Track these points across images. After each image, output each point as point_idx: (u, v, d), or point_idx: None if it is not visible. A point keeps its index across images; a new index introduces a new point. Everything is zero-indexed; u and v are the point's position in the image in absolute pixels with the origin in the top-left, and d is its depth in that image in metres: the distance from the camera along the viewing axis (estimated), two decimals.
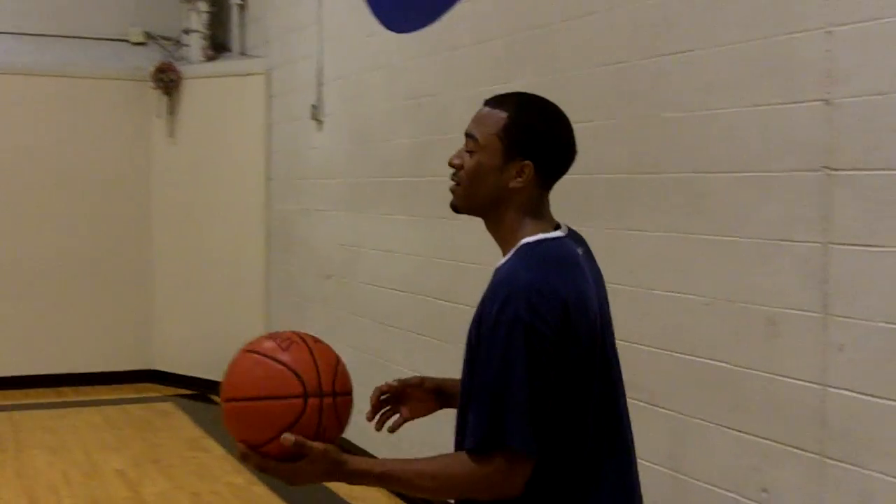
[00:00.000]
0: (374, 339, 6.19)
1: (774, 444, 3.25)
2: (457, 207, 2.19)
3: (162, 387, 8.89)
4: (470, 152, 2.13)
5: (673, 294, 3.71)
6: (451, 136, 5.12)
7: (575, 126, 4.35)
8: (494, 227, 2.16)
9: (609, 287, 4.02)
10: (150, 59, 8.94)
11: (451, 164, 2.16)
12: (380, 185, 6.15)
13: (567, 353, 1.98)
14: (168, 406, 8.32)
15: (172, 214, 8.99)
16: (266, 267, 8.22)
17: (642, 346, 3.85)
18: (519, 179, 2.08)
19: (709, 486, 3.51)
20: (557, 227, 2.16)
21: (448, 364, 5.43)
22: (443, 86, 5.37)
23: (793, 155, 3.19)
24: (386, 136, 6.02)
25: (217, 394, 8.03)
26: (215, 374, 8.93)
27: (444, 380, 2.41)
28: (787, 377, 3.20)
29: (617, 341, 4.01)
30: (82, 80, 8.84)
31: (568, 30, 4.30)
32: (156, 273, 9.13)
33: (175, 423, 7.76)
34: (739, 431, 3.39)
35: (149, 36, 9.14)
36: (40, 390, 8.60)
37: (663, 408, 3.75)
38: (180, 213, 8.94)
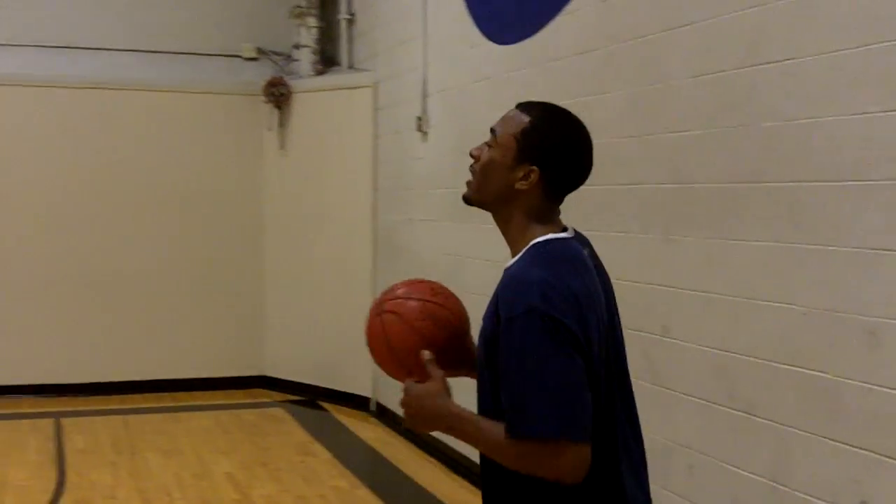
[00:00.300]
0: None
1: (875, 455, 3.20)
2: (468, 198, 2.29)
3: (272, 392, 9.12)
4: (489, 147, 2.24)
5: (772, 304, 3.68)
6: None
7: (674, 136, 4.37)
8: (503, 226, 2.25)
9: (707, 296, 4.04)
10: (261, 73, 9.20)
11: (470, 154, 2.26)
12: None
13: (579, 343, 2.02)
14: (278, 411, 8.52)
15: (283, 224, 9.22)
16: (373, 275, 8.36)
17: (742, 356, 3.83)
18: (524, 182, 2.17)
19: (808, 497, 3.47)
20: (564, 229, 2.23)
21: None
22: (544, 96, 5.35)
23: (894, 163, 3.15)
24: None
25: (325, 399, 8.17)
26: (324, 381, 9.19)
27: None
28: (889, 388, 3.15)
29: (715, 351, 4.01)
30: (197, 95, 9.15)
31: (667, 40, 4.30)
32: (267, 282, 9.36)
33: (284, 428, 7.94)
34: (839, 442, 3.35)
35: (260, 51, 9.39)
36: (156, 395, 8.90)
37: (762, 418, 3.72)
38: (290, 223, 9.16)
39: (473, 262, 6.37)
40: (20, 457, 6.91)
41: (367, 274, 8.40)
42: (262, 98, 9.04)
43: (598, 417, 2.08)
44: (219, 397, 8.91)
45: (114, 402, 8.64)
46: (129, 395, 8.82)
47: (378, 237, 8.33)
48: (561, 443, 1.98)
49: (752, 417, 3.78)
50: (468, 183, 2.28)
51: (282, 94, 8.97)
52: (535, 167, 2.17)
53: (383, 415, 8.05)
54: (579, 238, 2.26)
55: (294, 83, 9.02)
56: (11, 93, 8.72)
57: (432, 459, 6.79)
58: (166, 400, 8.82)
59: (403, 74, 7.63)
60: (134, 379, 9.01)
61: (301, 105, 9.02)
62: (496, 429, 2.05)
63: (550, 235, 2.18)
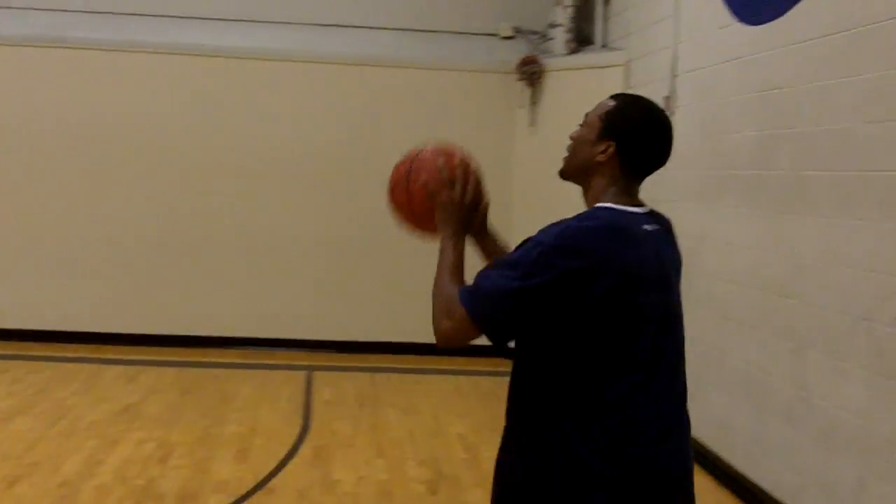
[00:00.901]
0: (709, 332, 6.21)
1: None
2: (561, 172, 2.55)
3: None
4: (581, 127, 2.51)
5: None
6: (798, 129, 5.06)
7: None
8: (585, 195, 2.50)
9: None
10: (517, 52, 9.40)
11: (570, 137, 2.53)
12: (725, 178, 6.16)
13: (561, 285, 2.20)
14: None
15: (531, 199, 9.40)
16: None
17: None
18: (602, 155, 2.42)
19: None
20: (638, 206, 2.43)
21: (780, 362, 5.39)
22: (790, 79, 5.30)
23: None
24: (734, 129, 6.01)
25: None
26: None
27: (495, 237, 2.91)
28: None
29: None
30: (454, 73, 9.49)
31: None
32: None
33: None
34: None
35: (517, 30, 9.60)
36: (403, 356, 9.33)
37: None
38: (538, 198, 9.30)
39: (711, 244, 6.33)
40: (272, 404, 7.48)
41: None
42: (515, 76, 9.24)
43: (601, 361, 2.29)
44: (459, 363, 9.21)
45: (363, 360, 9.18)
46: (378, 355, 9.35)
47: None
48: (474, 326, 2.30)
49: None
50: (563, 158, 2.55)
51: (534, 73, 9.14)
52: (612, 143, 2.44)
53: None
54: (653, 215, 2.48)
55: (547, 62, 9.17)
56: (279, 68, 9.37)
57: None
58: (412, 362, 9.21)
59: (654, 54, 7.61)
60: (384, 340, 9.52)
61: (553, 83, 9.16)
62: (455, 278, 2.44)
63: (612, 204, 2.40)
